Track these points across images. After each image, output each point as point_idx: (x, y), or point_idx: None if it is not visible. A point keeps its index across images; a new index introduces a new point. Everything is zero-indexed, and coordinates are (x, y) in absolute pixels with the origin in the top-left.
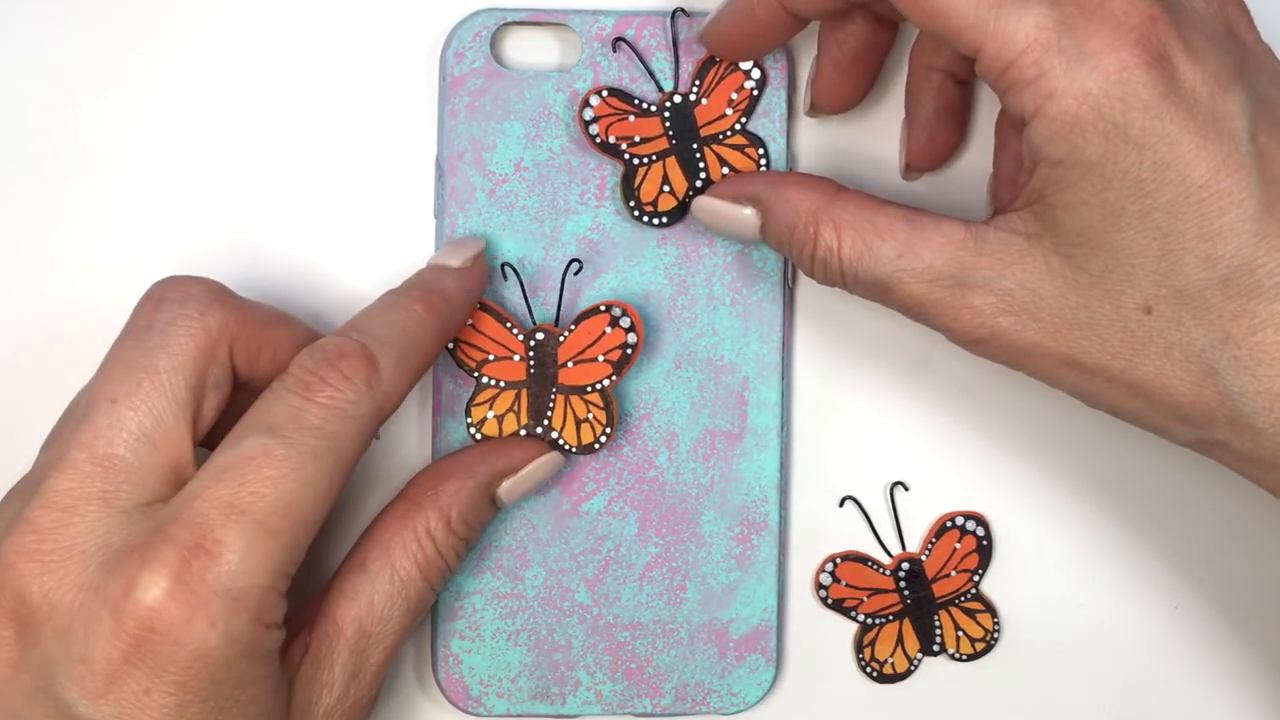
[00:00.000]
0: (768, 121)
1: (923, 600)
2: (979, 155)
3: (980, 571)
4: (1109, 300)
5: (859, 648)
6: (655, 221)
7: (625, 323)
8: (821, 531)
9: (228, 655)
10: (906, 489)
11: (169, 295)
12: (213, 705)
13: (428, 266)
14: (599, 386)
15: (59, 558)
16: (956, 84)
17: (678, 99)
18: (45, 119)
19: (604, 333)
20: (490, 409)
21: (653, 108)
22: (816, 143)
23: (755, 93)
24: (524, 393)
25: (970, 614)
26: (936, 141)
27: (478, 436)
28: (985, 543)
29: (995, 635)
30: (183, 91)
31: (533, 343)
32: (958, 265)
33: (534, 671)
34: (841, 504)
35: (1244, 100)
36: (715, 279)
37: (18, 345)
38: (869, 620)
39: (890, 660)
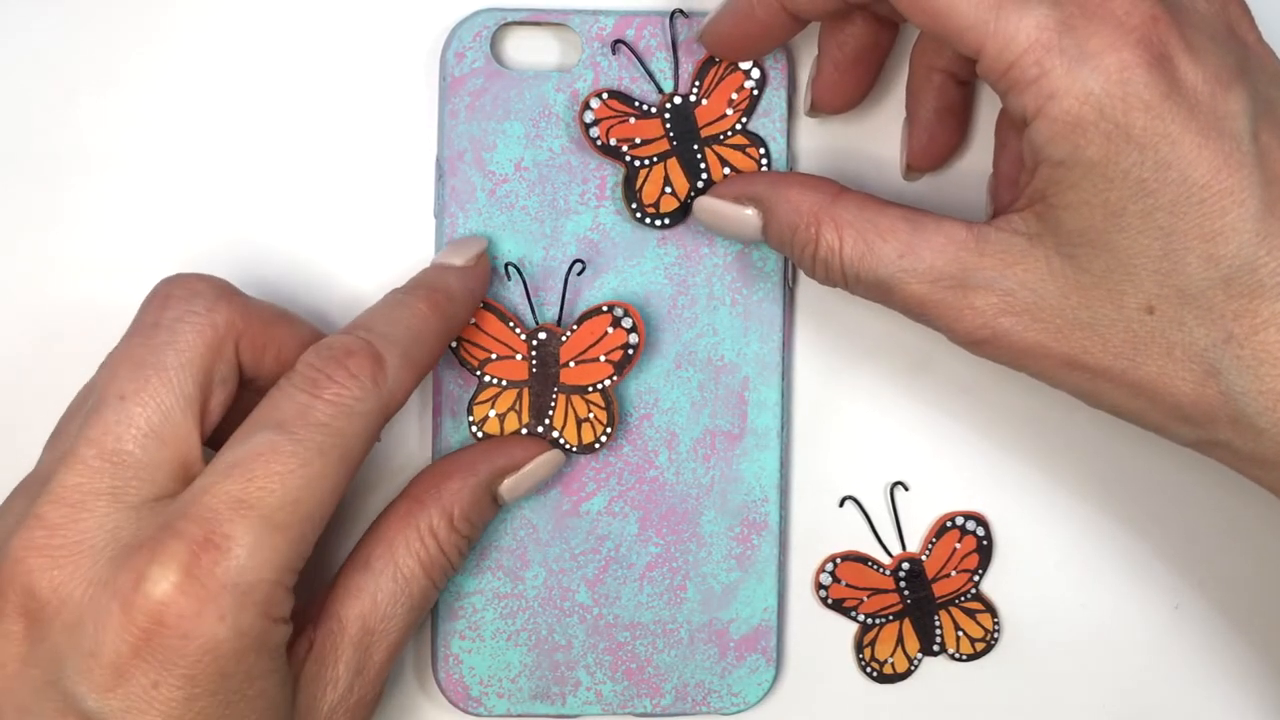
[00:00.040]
0: (768, 121)
1: (923, 600)
2: (979, 155)
3: (980, 571)
4: (1111, 300)
5: (859, 648)
6: (657, 223)
7: (627, 323)
8: (821, 531)
9: (236, 649)
10: (906, 489)
11: (175, 292)
12: (221, 699)
13: (431, 265)
14: (600, 386)
15: (68, 553)
16: (957, 84)
17: (678, 100)
18: (45, 119)
19: (606, 333)
20: (492, 407)
21: (653, 109)
22: (817, 143)
23: (755, 93)
24: (525, 392)
25: (970, 614)
26: (937, 142)
27: (479, 435)
28: (985, 543)
29: (995, 635)
30: (183, 91)
31: (535, 342)
32: (959, 266)
33: (534, 671)
34: (841, 504)
35: (1245, 100)
36: (715, 279)
37: (18, 345)
38: (869, 620)
39: (890, 660)
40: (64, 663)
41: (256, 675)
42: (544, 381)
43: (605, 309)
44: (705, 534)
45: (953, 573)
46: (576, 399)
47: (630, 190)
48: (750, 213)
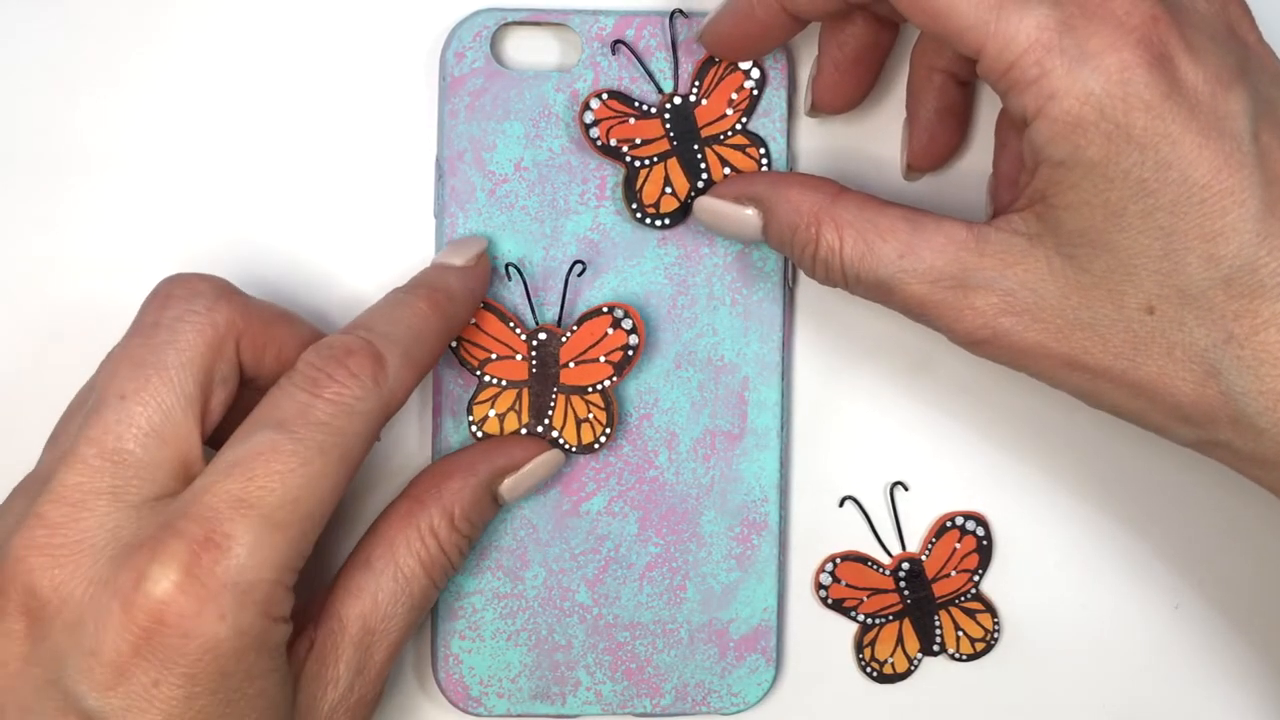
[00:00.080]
0: (768, 121)
1: (923, 600)
2: (980, 155)
3: (980, 571)
4: (1111, 300)
5: (859, 648)
6: (658, 223)
7: (627, 324)
8: (821, 531)
9: (236, 648)
10: (906, 489)
11: (176, 292)
12: (221, 697)
13: (432, 265)
14: (600, 387)
15: (69, 552)
16: (958, 84)
17: (678, 100)
18: (45, 119)
19: (606, 334)
20: (492, 407)
21: (653, 109)
22: (817, 143)
23: (755, 93)
24: (525, 392)
25: (970, 614)
26: (938, 142)
27: (479, 434)
28: (985, 543)
29: (995, 635)
30: (183, 91)
31: (535, 342)
32: (959, 266)
33: (534, 671)
34: (841, 504)
35: (1246, 100)
36: (715, 279)
37: (18, 345)
38: (869, 620)
39: (890, 660)
40: (65, 661)
41: (257, 674)
42: (544, 382)
43: (605, 310)
44: (705, 534)
45: (953, 573)
46: (576, 399)
47: (630, 190)
48: (750, 213)
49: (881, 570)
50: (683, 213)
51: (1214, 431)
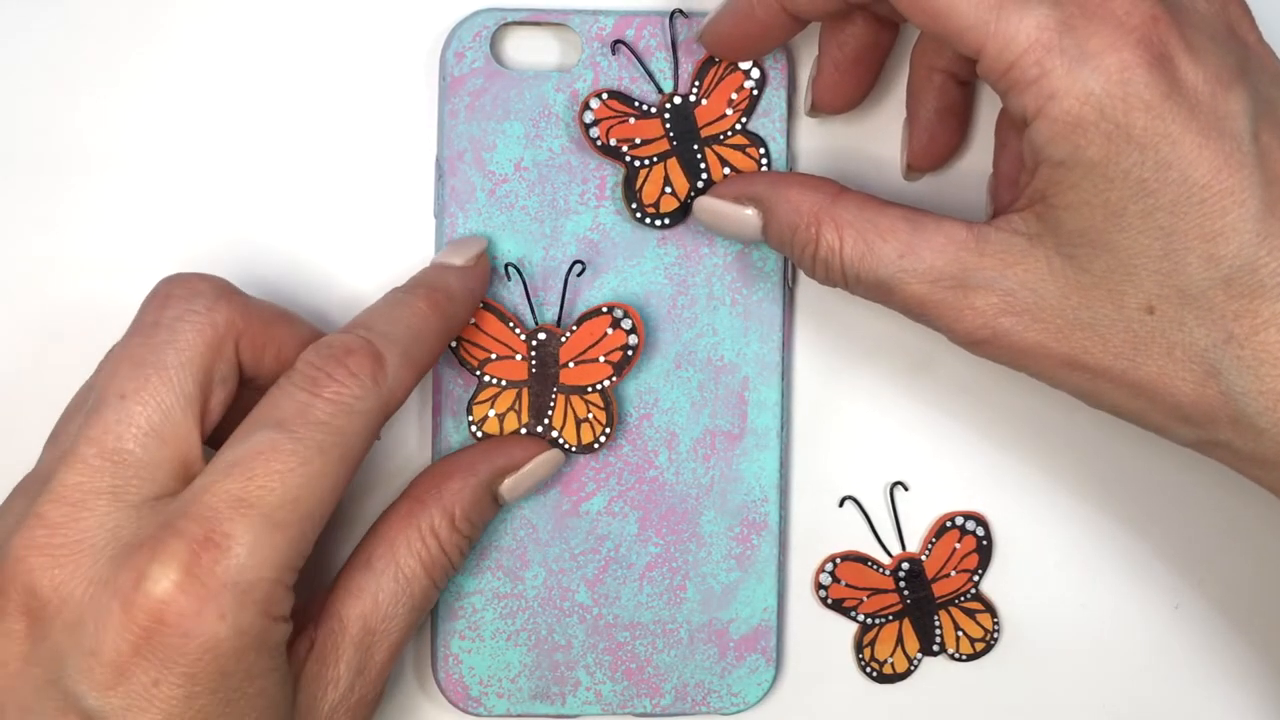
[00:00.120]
0: (768, 121)
1: (923, 600)
2: (979, 155)
3: (980, 571)
4: (1111, 300)
5: (859, 648)
6: (657, 223)
7: (627, 324)
8: (821, 531)
9: (236, 647)
10: (906, 489)
11: (176, 292)
12: (221, 697)
13: (431, 265)
14: (599, 387)
15: (69, 552)
16: (958, 84)
17: (678, 100)
18: (45, 119)
19: (605, 334)
20: (492, 407)
21: (653, 109)
22: (817, 143)
23: (755, 93)
24: (525, 392)
25: (970, 614)
26: (938, 142)
27: (479, 434)
28: (985, 543)
29: (995, 635)
30: (183, 91)
31: (535, 342)
32: (959, 266)
33: (534, 671)
34: (841, 504)
35: (1246, 100)
36: (715, 279)
37: (18, 345)
38: (869, 620)
39: (890, 660)
40: (65, 661)
41: (256, 674)
42: (543, 382)
43: (605, 310)
44: (705, 534)
45: (952, 573)
46: (576, 399)
47: (630, 190)
48: (750, 213)
49: (881, 570)
50: (682, 212)
51: (1214, 431)
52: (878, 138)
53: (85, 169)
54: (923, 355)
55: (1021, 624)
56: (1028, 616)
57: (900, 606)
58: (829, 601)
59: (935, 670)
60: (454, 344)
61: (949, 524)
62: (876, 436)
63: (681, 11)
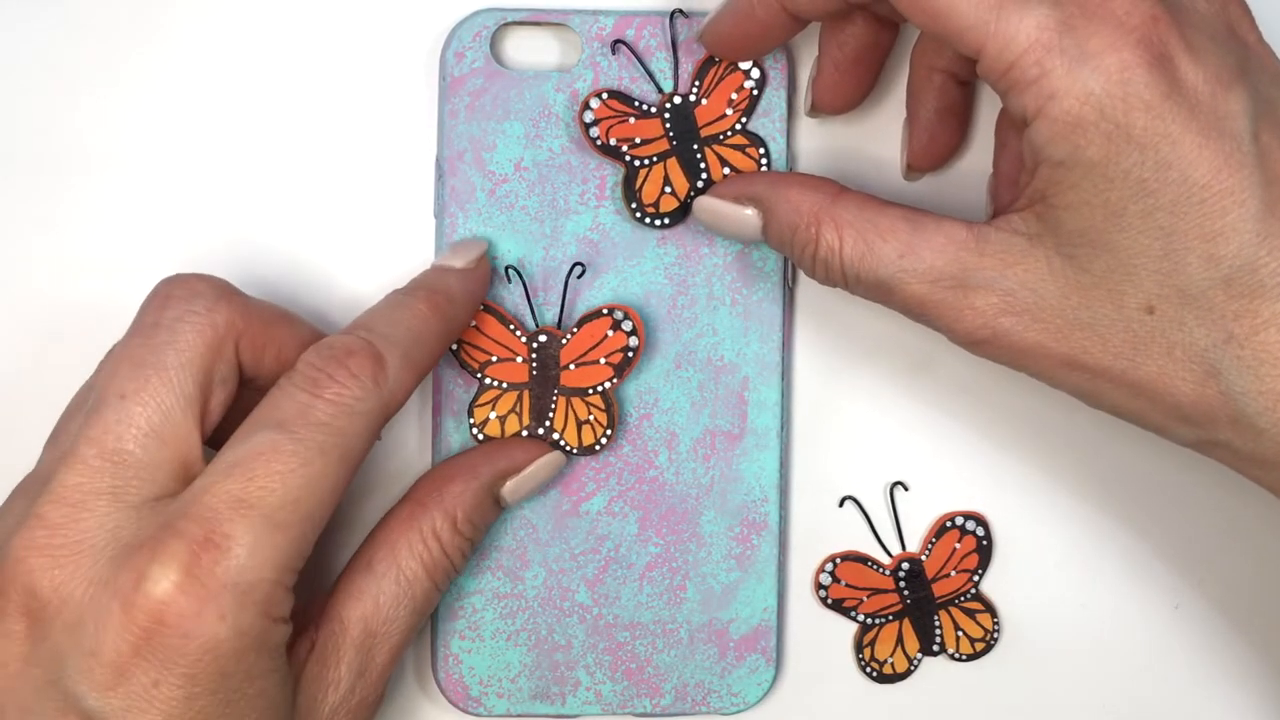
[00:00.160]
0: (768, 121)
1: (923, 600)
2: (979, 155)
3: (980, 571)
4: (1111, 300)
5: (859, 648)
6: (657, 223)
7: (627, 326)
8: (821, 531)
9: (236, 648)
10: (906, 489)
11: (176, 292)
12: (221, 698)
13: (432, 267)
14: (600, 389)
15: (69, 552)
16: (958, 84)
17: (678, 100)
18: (45, 119)
19: (606, 336)
20: (493, 410)
21: (653, 109)
22: (817, 143)
23: (755, 93)
24: (526, 394)
25: (970, 614)
26: (938, 142)
27: (480, 437)
28: (985, 543)
29: (995, 635)
30: (183, 91)
31: (535, 345)
32: (959, 266)
33: (534, 671)
34: (841, 504)
35: (1246, 100)
36: (715, 279)
37: (18, 345)
38: (869, 620)
39: (890, 660)
40: (65, 662)
41: (256, 675)
42: (544, 384)
43: (605, 312)
44: (705, 534)
45: (952, 573)
46: (577, 401)
47: (630, 190)
48: (750, 213)
49: (881, 570)
50: (682, 212)
51: (1214, 431)
52: (878, 138)
53: (85, 169)
54: (923, 355)
55: (1021, 624)
56: (1028, 616)
57: (900, 606)
58: (829, 601)
59: (935, 670)
60: (455, 346)
61: (949, 524)
62: (876, 436)
63: (682, 11)
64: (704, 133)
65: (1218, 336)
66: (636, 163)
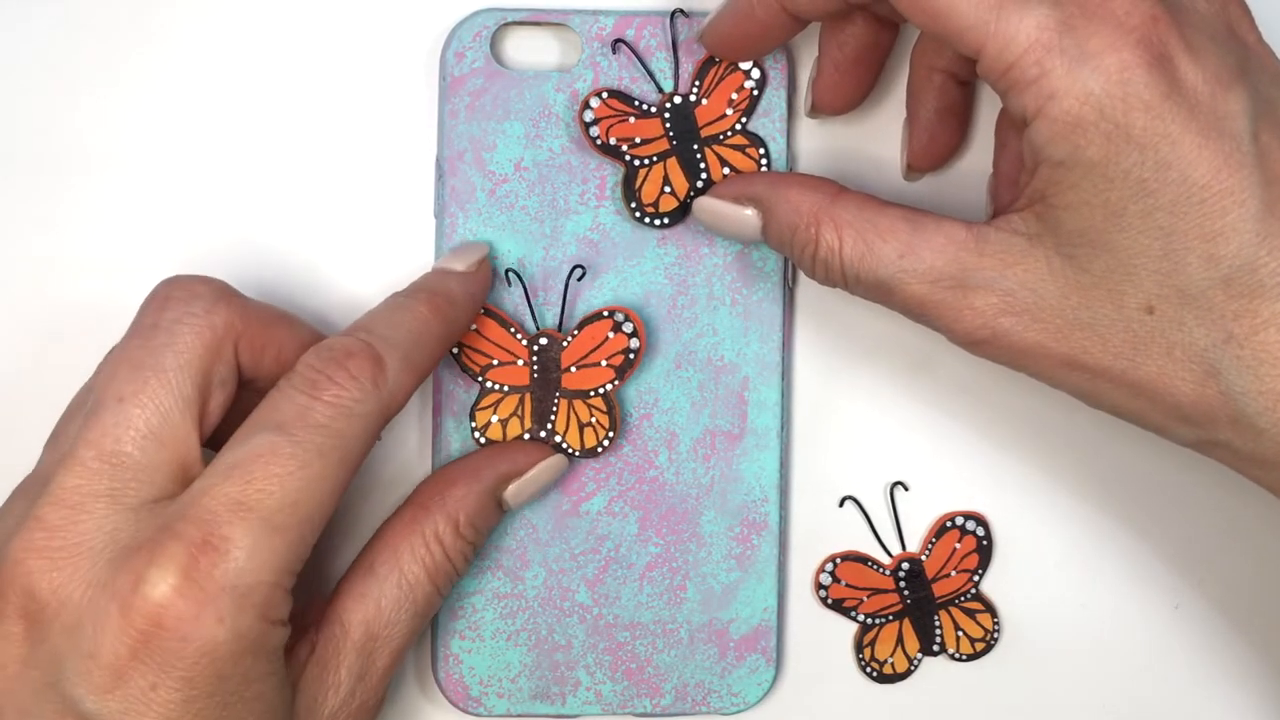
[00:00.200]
0: (768, 121)
1: (923, 600)
2: (979, 155)
3: (980, 571)
4: (1111, 300)
5: (859, 648)
6: (656, 222)
7: (628, 328)
8: (821, 531)
9: (234, 651)
10: (906, 489)
11: (174, 294)
12: (218, 701)
13: (433, 270)
14: (602, 391)
15: (67, 554)
16: (958, 84)
17: (678, 100)
18: (45, 119)
19: (607, 338)
20: (494, 413)
21: (653, 109)
22: (817, 143)
23: (755, 93)
24: (527, 397)
25: (970, 614)
26: (938, 142)
27: (482, 440)
28: (985, 543)
29: (995, 635)
30: (183, 91)
31: (536, 348)
32: (959, 266)
33: (534, 671)
34: (841, 504)
35: (1246, 100)
36: (715, 279)
37: (18, 345)
38: (869, 620)
39: (890, 660)
40: (63, 664)
41: (254, 678)
42: (546, 387)
43: (606, 314)
44: (705, 534)
45: (953, 573)
46: (579, 403)
47: (629, 189)
48: (750, 213)
49: (881, 570)
50: (681, 212)
51: (1214, 431)
52: (878, 138)
53: (85, 169)
54: (923, 355)
55: (1021, 624)
56: (1028, 616)
57: (900, 606)
58: (829, 601)
59: (935, 670)
60: (456, 350)
61: (949, 524)
62: (876, 436)
63: (682, 11)
64: (704, 133)
65: (1217, 336)
66: (636, 162)
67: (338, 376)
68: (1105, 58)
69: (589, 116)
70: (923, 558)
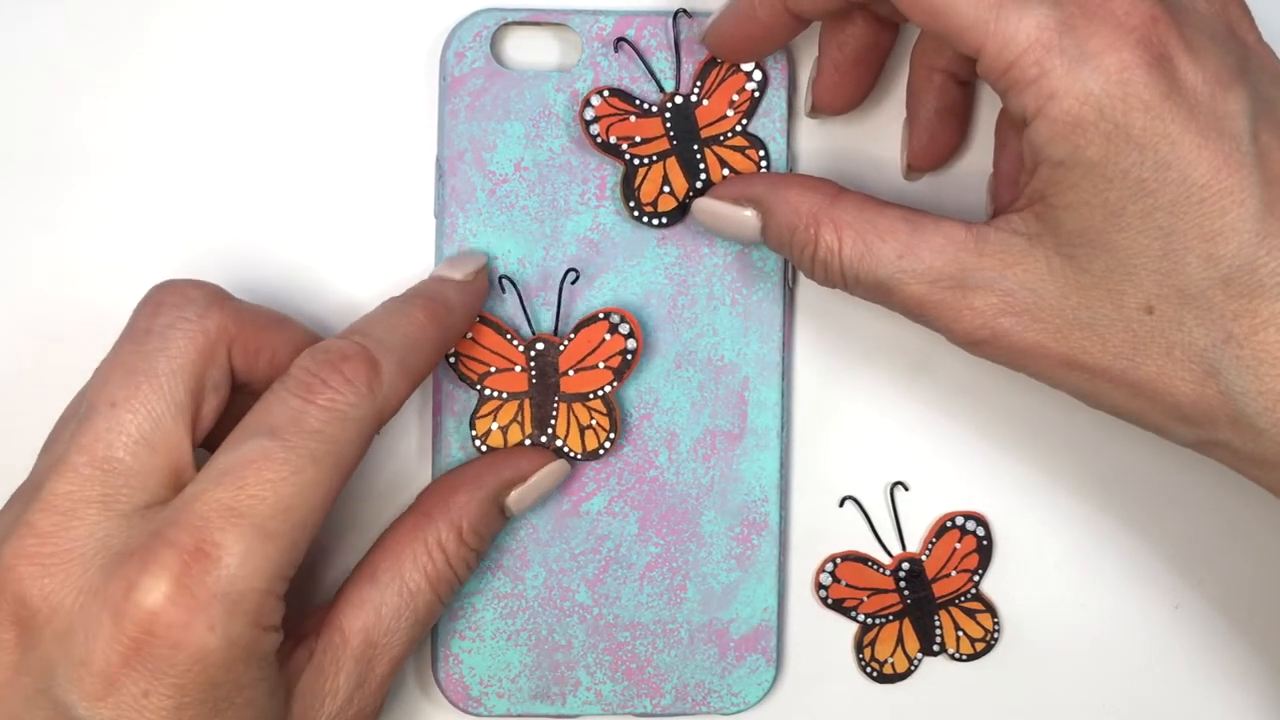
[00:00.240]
0: (768, 122)
1: (923, 600)
2: (979, 155)
3: (980, 571)
4: (1111, 300)
5: (859, 648)
6: (655, 222)
7: (624, 329)
8: (821, 531)
9: (226, 658)
10: (906, 489)
11: (167, 299)
12: (210, 707)
13: (430, 277)
14: (601, 393)
15: (59, 561)
16: (958, 84)
17: (679, 100)
18: (45, 119)
19: (603, 340)
20: (494, 421)
21: (654, 108)
22: (817, 144)
23: (756, 95)
24: (527, 403)
25: (970, 614)
26: (938, 142)
27: (483, 448)
28: (985, 543)
29: (995, 635)
30: (183, 92)
31: (533, 353)
32: (958, 266)
33: (534, 671)
34: (841, 504)
35: (1245, 100)
36: (715, 279)
37: (18, 345)
38: (869, 620)
39: (890, 660)
40: (55, 671)
41: (245, 684)
42: (544, 391)
43: (602, 316)
44: (705, 534)
45: (953, 573)
46: (578, 407)
47: (629, 189)
48: (749, 214)
49: (881, 570)
50: (680, 212)
51: (1213, 431)
52: (878, 138)
53: (85, 169)
54: (923, 355)
55: (1021, 624)
56: (1028, 616)
57: (900, 606)
58: (829, 601)
59: (935, 670)
60: (453, 360)
61: (949, 524)
62: (876, 436)
63: (685, 11)
64: (704, 133)
65: (1217, 336)
66: (636, 161)
67: (332, 380)
68: (1105, 58)
69: (590, 114)
70: (923, 558)
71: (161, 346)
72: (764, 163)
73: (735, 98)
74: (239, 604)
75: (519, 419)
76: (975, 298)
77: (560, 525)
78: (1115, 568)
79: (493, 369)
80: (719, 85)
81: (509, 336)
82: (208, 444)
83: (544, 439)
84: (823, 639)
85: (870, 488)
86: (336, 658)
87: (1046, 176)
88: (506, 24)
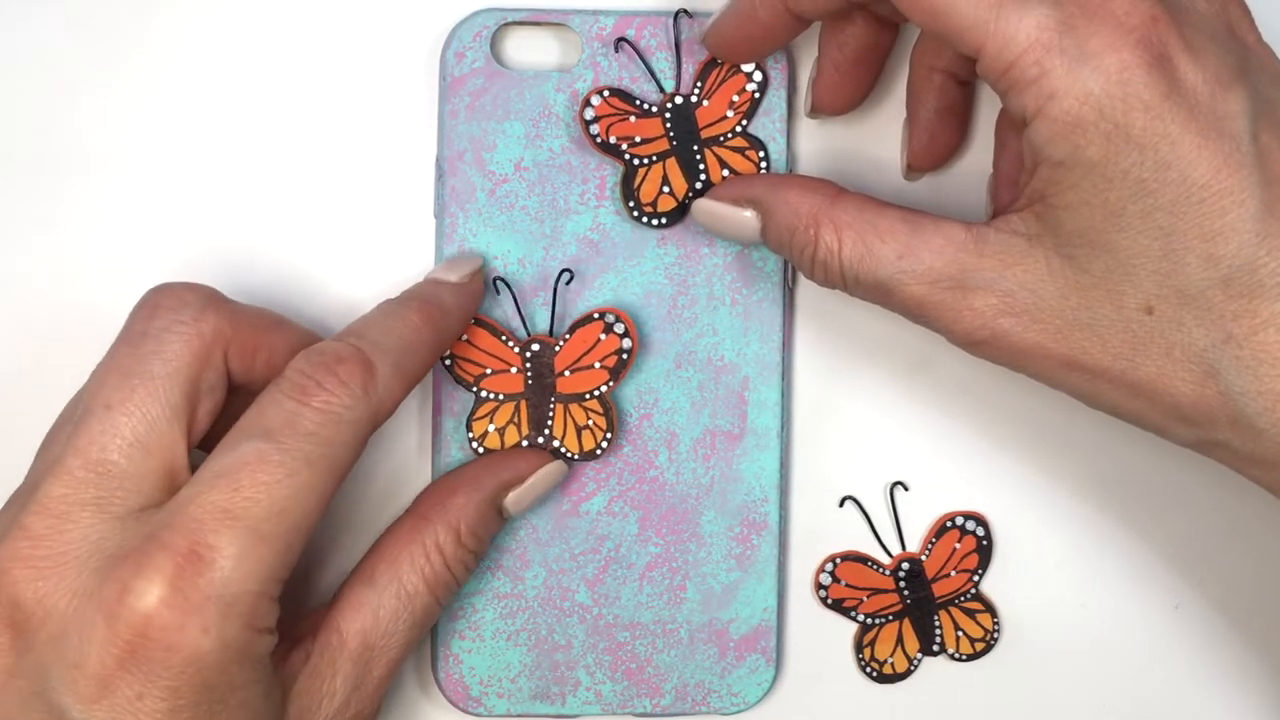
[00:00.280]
0: (768, 122)
1: (923, 600)
2: (979, 155)
3: (980, 571)
4: (1110, 301)
5: (859, 648)
6: (654, 222)
7: (619, 329)
8: (821, 531)
9: (220, 661)
10: (906, 489)
11: (163, 302)
12: (204, 709)
13: (426, 280)
14: (597, 393)
15: (53, 563)
16: (958, 84)
17: (679, 100)
18: (45, 119)
19: (599, 340)
20: (491, 422)
21: (654, 108)
22: (817, 144)
23: (757, 95)
24: (523, 404)
25: (970, 614)
26: (938, 142)
27: (480, 450)
28: (985, 543)
29: (995, 635)
30: (183, 92)
31: (529, 354)
32: (958, 267)
33: (534, 671)
34: (841, 504)
35: (1245, 100)
36: (715, 279)
37: (17, 345)
38: (869, 620)
39: (890, 660)
40: (49, 674)
41: (239, 686)
42: (541, 392)
43: (596, 316)
44: (705, 534)
45: (952, 573)
46: (575, 407)
47: (628, 189)
48: (749, 215)
49: (881, 570)
50: (680, 212)
51: (1213, 431)
52: (878, 138)
53: (85, 169)
54: (923, 355)
55: (1021, 624)
56: (1028, 616)
57: (900, 606)
58: (829, 601)
59: (935, 670)
60: (449, 362)
61: (949, 524)
62: (876, 436)
63: (686, 11)
64: (704, 134)
65: (1217, 336)
66: (636, 161)
67: (327, 382)
68: (1105, 58)
69: (589, 114)
70: (923, 558)
71: (157, 349)
72: (764, 163)
73: (735, 98)
74: (233, 606)
75: (516, 420)
76: (975, 298)
77: (560, 525)
78: (1115, 568)
79: (489, 371)
80: (719, 86)
81: (504, 338)
82: (204, 445)
83: (541, 440)
84: (822, 639)
85: (870, 488)
86: (333, 660)
87: (1046, 177)
88: (506, 24)
